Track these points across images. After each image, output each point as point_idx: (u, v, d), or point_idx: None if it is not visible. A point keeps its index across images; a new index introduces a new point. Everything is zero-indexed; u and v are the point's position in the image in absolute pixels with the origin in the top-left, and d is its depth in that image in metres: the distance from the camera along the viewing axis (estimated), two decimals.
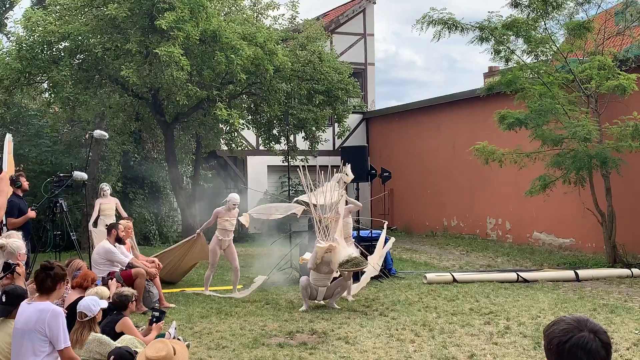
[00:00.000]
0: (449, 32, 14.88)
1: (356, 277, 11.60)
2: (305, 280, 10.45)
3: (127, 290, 7.53)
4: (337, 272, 10.51)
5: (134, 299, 7.46)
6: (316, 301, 10.58)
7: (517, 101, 14.83)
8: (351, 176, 11.43)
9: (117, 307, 7.25)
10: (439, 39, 14.88)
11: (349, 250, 10.64)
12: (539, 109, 13.99)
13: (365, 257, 11.09)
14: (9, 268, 6.59)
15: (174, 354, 5.02)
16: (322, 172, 11.00)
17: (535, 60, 15.02)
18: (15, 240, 7.10)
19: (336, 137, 22.98)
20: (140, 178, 20.99)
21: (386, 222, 12.09)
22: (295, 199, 11.90)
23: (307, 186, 10.97)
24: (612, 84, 13.36)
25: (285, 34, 19.27)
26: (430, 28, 14.87)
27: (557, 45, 14.82)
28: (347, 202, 11.63)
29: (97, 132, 13.09)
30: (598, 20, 15.02)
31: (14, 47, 15.62)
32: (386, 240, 11.56)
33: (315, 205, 10.72)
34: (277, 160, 20.58)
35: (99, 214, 14.20)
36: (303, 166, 11.20)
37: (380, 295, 11.35)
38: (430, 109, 22.60)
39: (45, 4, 16.49)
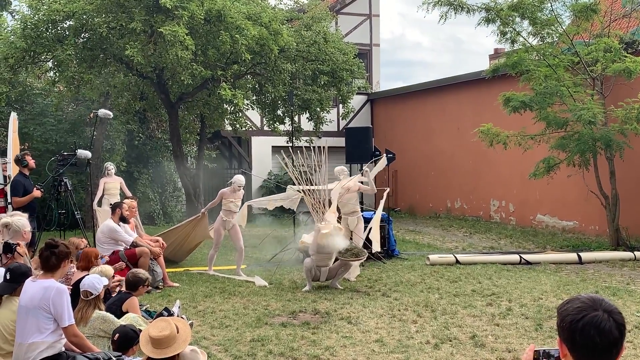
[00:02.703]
0: (455, 13, 14.81)
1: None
2: (309, 261, 10.48)
3: (143, 273, 7.56)
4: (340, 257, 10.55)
5: (147, 283, 7.49)
6: (319, 282, 10.62)
7: (522, 83, 14.78)
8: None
9: (129, 286, 7.29)
10: (445, 20, 14.83)
11: (344, 238, 10.62)
12: (544, 91, 13.95)
13: (365, 247, 11.18)
14: (9, 248, 6.61)
15: (177, 332, 5.05)
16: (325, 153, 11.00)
17: (541, 42, 14.95)
18: (20, 219, 7.13)
19: (340, 118, 22.97)
20: (145, 157, 21.02)
21: (387, 189, 12.03)
22: (289, 186, 11.94)
23: (292, 172, 11.02)
24: (618, 67, 13.30)
25: (290, 14, 19.19)
26: (437, 9, 14.82)
27: (563, 27, 14.73)
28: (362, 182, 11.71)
29: (102, 111, 13.10)
30: (605, 2, 14.91)
31: (18, 26, 15.58)
32: (390, 222, 11.59)
33: (311, 189, 10.78)
34: (282, 141, 20.59)
35: (104, 193, 14.24)
36: (289, 147, 11.26)
37: (383, 276, 11.39)
38: (435, 91, 22.54)
39: None
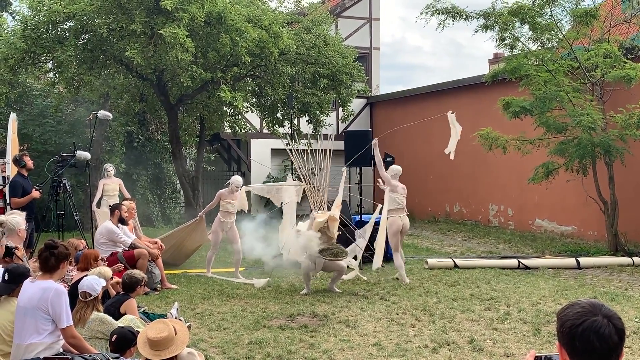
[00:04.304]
0: (453, 20, 14.89)
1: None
2: (307, 264, 10.46)
3: (139, 273, 7.55)
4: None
5: (143, 282, 7.49)
6: (313, 274, 10.58)
7: (522, 88, 14.78)
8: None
9: (126, 288, 7.28)
10: (443, 28, 14.97)
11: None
12: (544, 96, 13.96)
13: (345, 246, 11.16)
14: (8, 252, 6.61)
15: (175, 334, 5.04)
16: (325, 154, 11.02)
17: (541, 48, 14.97)
18: (15, 217, 7.12)
19: (340, 122, 22.96)
20: (144, 159, 21.01)
21: (387, 187, 11.97)
22: (289, 179, 12.00)
23: (296, 163, 11.06)
24: (618, 74, 13.30)
25: (291, 17, 19.20)
26: (435, 18, 14.90)
27: (563, 33, 14.75)
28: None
29: (101, 113, 13.10)
30: (605, 7, 14.93)
31: (19, 27, 15.58)
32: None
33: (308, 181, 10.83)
34: (281, 144, 20.52)
35: (103, 195, 14.23)
36: (290, 149, 11.29)
37: (381, 280, 11.39)
38: (435, 95, 22.53)
39: None
